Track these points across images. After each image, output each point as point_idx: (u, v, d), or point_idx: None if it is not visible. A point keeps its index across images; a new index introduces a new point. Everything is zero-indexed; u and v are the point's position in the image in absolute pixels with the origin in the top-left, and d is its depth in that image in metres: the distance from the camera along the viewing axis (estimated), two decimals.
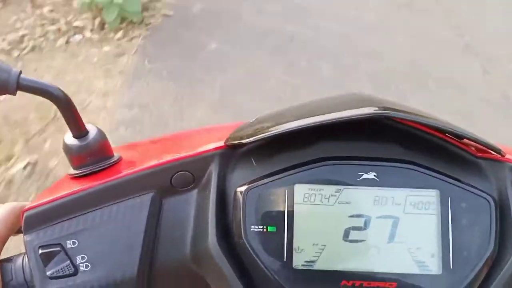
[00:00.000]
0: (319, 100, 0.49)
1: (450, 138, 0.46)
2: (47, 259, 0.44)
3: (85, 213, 0.46)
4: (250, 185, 0.44)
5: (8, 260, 0.48)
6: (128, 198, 0.46)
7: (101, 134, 0.49)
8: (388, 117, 0.41)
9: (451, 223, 0.42)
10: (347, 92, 0.49)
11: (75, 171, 0.49)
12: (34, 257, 0.45)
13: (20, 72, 0.43)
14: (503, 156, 0.44)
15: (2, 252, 0.47)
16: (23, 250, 0.47)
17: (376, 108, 0.41)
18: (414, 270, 0.42)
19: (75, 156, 0.48)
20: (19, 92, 0.43)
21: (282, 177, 0.44)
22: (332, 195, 0.43)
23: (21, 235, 0.49)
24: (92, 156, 0.49)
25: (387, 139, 0.46)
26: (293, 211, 0.43)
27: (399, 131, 0.46)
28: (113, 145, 0.51)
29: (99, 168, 0.48)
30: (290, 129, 0.42)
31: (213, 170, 0.46)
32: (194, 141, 0.49)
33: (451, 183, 0.43)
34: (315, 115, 0.43)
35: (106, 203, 0.46)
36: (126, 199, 0.46)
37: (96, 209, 0.46)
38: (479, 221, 0.42)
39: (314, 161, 0.44)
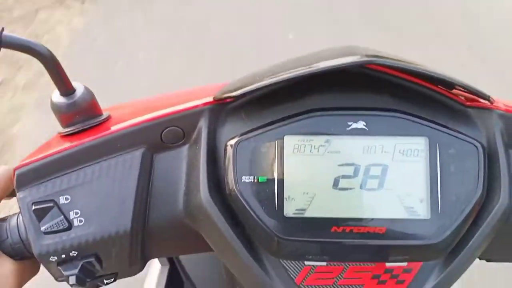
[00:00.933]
0: (309, 54, 0.48)
1: (440, 88, 0.46)
2: (41, 214, 0.45)
3: (77, 170, 0.46)
4: (240, 137, 0.44)
5: (3, 220, 0.48)
6: (119, 154, 0.46)
7: (88, 92, 0.49)
8: (376, 64, 0.40)
9: (440, 169, 0.43)
10: (340, 45, 0.48)
11: (65, 129, 0.49)
12: (28, 213, 0.45)
13: (3, 29, 0.42)
14: (491, 103, 0.45)
15: None
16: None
17: (362, 56, 0.41)
18: (403, 215, 0.42)
19: (64, 114, 0.48)
20: None
21: (272, 129, 0.44)
22: (321, 145, 0.44)
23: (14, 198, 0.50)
24: (80, 114, 0.48)
25: (375, 89, 0.45)
26: (283, 161, 0.43)
27: (387, 80, 0.45)
28: None
29: (88, 126, 0.48)
30: (277, 80, 0.42)
31: (203, 125, 0.46)
32: (184, 98, 0.49)
33: (439, 130, 0.43)
34: (302, 67, 0.43)
35: (97, 159, 0.46)
36: (117, 155, 0.46)
37: (88, 166, 0.46)
38: (467, 166, 0.43)
39: (303, 113, 0.44)
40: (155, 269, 1.03)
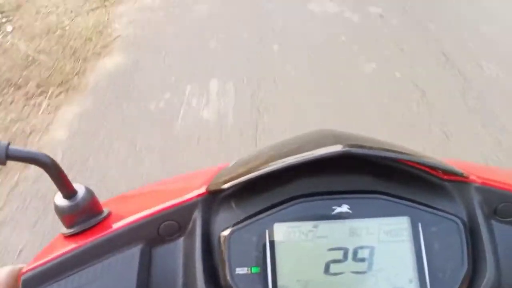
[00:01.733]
0: (290, 140, 0.52)
1: (418, 164, 0.49)
2: None
3: (79, 271, 0.48)
4: (232, 228, 0.46)
5: None
6: (119, 252, 0.49)
7: (89, 192, 0.52)
8: (352, 155, 0.43)
9: (424, 248, 0.44)
10: (315, 130, 0.52)
11: (68, 230, 0.51)
12: None
13: (9, 144, 0.46)
14: (467, 177, 0.47)
15: None
16: None
17: (342, 146, 0.44)
18: None
19: (67, 216, 0.51)
20: None
21: (261, 218, 0.46)
22: (310, 231, 0.46)
23: None
24: (82, 214, 0.51)
25: (356, 171, 0.48)
26: (274, 250, 0.45)
27: (368, 163, 0.48)
28: None
29: (90, 225, 0.51)
30: (260, 174, 0.45)
31: (197, 217, 0.48)
32: (180, 188, 0.52)
33: (420, 209, 0.45)
34: (286, 156, 0.46)
35: (98, 258, 0.48)
36: (117, 253, 0.48)
37: (90, 266, 0.48)
38: (451, 243, 0.44)
39: (289, 200, 0.47)
40: None
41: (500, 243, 0.45)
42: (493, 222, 0.46)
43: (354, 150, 0.43)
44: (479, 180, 0.47)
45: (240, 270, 0.45)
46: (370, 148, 0.44)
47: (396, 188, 0.47)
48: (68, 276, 0.48)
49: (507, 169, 0.60)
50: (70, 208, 0.51)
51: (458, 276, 0.43)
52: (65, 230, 0.52)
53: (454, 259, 0.44)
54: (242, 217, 0.47)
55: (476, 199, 0.46)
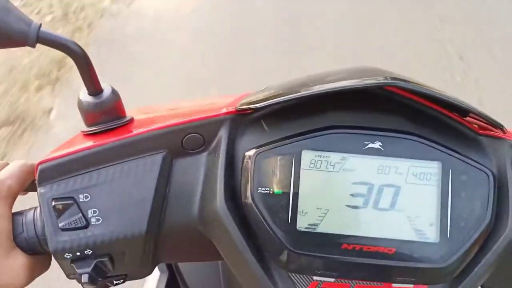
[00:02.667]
0: (331, 71, 0.50)
1: (455, 115, 0.48)
2: (60, 211, 0.46)
3: (98, 169, 0.47)
4: (259, 149, 0.45)
5: (19, 213, 0.49)
6: (140, 156, 0.48)
7: (115, 94, 0.50)
8: (397, 87, 0.42)
9: (451, 195, 0.44)
10: (359, 65, 0.50)
11: (89, 128, 0.50)
12: (47, 209, 0.46)
13: (40, 25, 0.44)
14: (504, 133, 0.46)
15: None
16: None
17: (385, 78, 0.43)
18: (413, 237, 0.43)
19: (90, 113, 0.50)
20: None
21: (290, 143, 0.45)
22: (337, 162, 0.45)
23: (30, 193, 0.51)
24: (105, 114, 0.50)
25: (393, 111, 0.47)
26: (299, 176, 0.44)
27: (405, 104, 0.47)
28: None
29: (112, 127, 0.50)
30: (300, 95, 0.44)
31: (223, 134, 0.47)
32: (206, 105, 0.50)
33: (453, 156, 0.44)
34: (325, 83, 0.45)
35: (118, 160, 0.48)
36: (138, 157, 0.48)
37: (109, 166, 0.47)
38: (477, 194, 0.44)
39: (322, 129, 0.46)
40: (153, 276, 1.03)
41: None
42: None
43: (400, 82, 0.42)
44: None
45: (262, 190, 0.44)
46: (415, 84, 0.43)
47: (432, 133, 0.46)
48: (86, 173, 0.47)
49: None
50: (94, 106, 0.49)
51: (479, 227, 0.43)
52: (86, 129, 0.51)
53: (478, 210, 0.44)
54: (269, 140, 0.46)
55: (509, 155, 0.46)
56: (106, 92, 0.50)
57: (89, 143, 0.48)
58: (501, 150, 0.46)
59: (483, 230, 0.43)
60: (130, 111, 0.54)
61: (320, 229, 0.44)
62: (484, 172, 0.44)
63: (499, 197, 0.45)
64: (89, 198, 0.47)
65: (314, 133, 0.45)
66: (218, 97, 0.55)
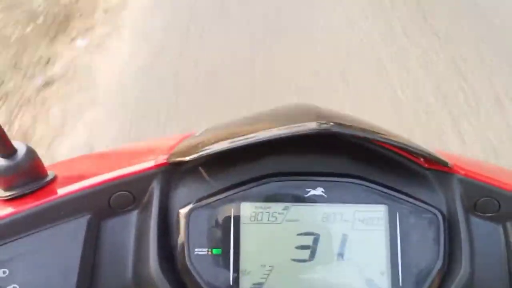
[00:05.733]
0: (268, 112, 0.47)
1: (400, 150, 0.45)
2: None
3: (16, 239, 0.42)
4: (193, 205, 0.42)
5: None
6: (63, 222, 0.43)
7: (31, 152, 0.45)
8: (329, 133, 0.39)
9: (400, 239, 0.41)
10: (292, 103, 0.47)
11: (5, 193, 0.45)
12: None
13: None
14: (450, 168, 0.44)
15: None
16: None
17: (321, 123, 0.39)
18: None
19: (4, 177, 0.44)
20: None
21: (227, 196, 0.42)
22: (279, 213, 0.42)
23: None
24: (23, 176, 0.45)
25: (335, 153, 0.44)
26: (239, 231, 0.41)
27: (348, 144, 0.44)
28: None
29: (31, 190, 0.45)
30: (233, 146, 0.40)
31: (155, 189, 0.43)
32: (135, 155, 0.46)
33: (399, 198, 0.42)
34: (259, 130, 0.41)
35: (38, 228, 0.43)
36: (60, 223, 0.43)
37: (28, 235, 0.42)
38: (427, 236, 0.42)
39: (260, 178, 0.42)
40: None
41: (477, 238, 0.43)
42: (472, 216, 0.44)
43: (332, 128, 0.39)
44: (462, 172, 0.44)
45: (199, 251, 0.41)
46: (350, 127, 0.40)
47: (376, 174, 0.43)
48: (3, 244, 0.42)
49: (495, 165, 0.58)
50: (8, 169, 0.44)
51: (432, 271, 0.41)
52: (2, 193, 0.45)
53: (430, 253, 0.41)
54: (205, 194, 0.42)
55: (457, 191, 0.43)
56: (21, 152, 0.45)
57: (5, 211, 0.43)
58: (449, 185, 0.44)
59: (436, 273, 0.41)
60: (53, 166, 0.49)
61: None
62: (432, 213, 0.42)
63: (451, 236, 0.43)
64: (7, 272, 0.41)
65: (252, 183, 0.42)
66: (154, 140, 0.50)
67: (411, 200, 0.42)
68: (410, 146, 0.42)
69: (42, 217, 0.43)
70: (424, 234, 0.42)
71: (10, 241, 0.42)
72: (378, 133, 0.41)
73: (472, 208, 0.44)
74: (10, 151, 0.44)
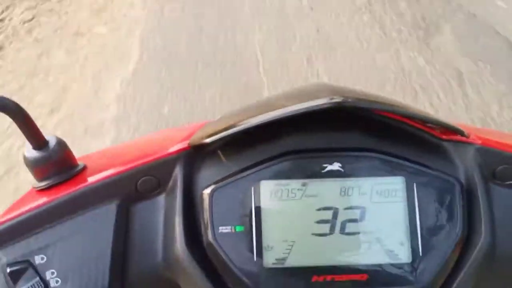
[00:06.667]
0: (282, 94, 0.48)
1: (415, 122, 0.46)
2: (16, 277, 0.44)
3: (52, 227, 0.45)
4: (215, 185, 0.43)
5: None
6: (94, 207, 0.45)
7: (61, 144, 0.48)
8: (343, 108, 0.40)
9: (418, 210, 0.42)
10: (308, 83, 0.48)
11: (40, 184, 0.48)
12: (2, 276, 0.44)
13: None
14: (467, 137, 0.44)
15: None
16: None
17: (335, 98, 0.40)
18: (384, 259, 0.42)
19: (38, 168, 0.47)
20: None
21: (247, 175, 0.43)
22: (298, 189, 0.43)
23: None
24: (54, 167, 0.47)
25: (350, 127, 0.45)
26: (260, 208, 0.42)
27: (362, 119, 0.45)
28: None
29: (64, 179, 0.47)
30: (250, 125, 0.41)
31: (179, 173, 0.45)
32: (159, 143, 0.48)
33: (416, 169, 0.42)
34: (275, 110, 0.42)
35: (71, 214, 0.45)
36: (92, 209, 0.45)
37: (62, 222, 0.45)
38: (446, 205, 0.42)
39: (278, 156, 0.44)
40: None
41: (497, 206, 0.43)
42: (492, 185, 0.44)
43: (345, 102, 0.39)
44: (479, 141, 0.44)
45: (223, 229, 0.42)
46: (364, 100, 0.41)
47: (391, 146, 0.44)
48: (39, 232, 0.45)
49: (509, 132, 0.57)
50: (41, 160, 0.47)
51: (452, 240, 0.41)
52: (36, 184, 0.48)
53: (449, 222, 0.42)
54: (226, 174, 0.44)
55: (475, 160, 0.44)
56: (52, 143, 0.47)
57: (40, 200, 0.46)
58: (466, 155, 0.44)
59: (456, 243, 0.42)
60: (82, 158, 0.52)
61: (288, 263, 0.42)
62: (450, 181, 0.42)
63: (470, 205, 0.43)
64: (45, 259, 0.44)
65: (271, 161, 0.43)
66: (172, 130, 0.52)
67: (428, 171, 0.42)
68: (426, 118, 0.42)
69: (75, 205, 0.45)
70: (442, 204, 0.42)
71: (46, 229, 0.45)
72: (395, 106, 0.42)
73: (491, 176, 0.44)
74: (42, 143, 0.47)
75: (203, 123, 0.51)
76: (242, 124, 0.42)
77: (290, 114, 0.40)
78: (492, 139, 0.45)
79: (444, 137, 0.45)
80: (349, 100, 0.39)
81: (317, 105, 0.39)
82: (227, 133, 0.43)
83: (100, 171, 0.47)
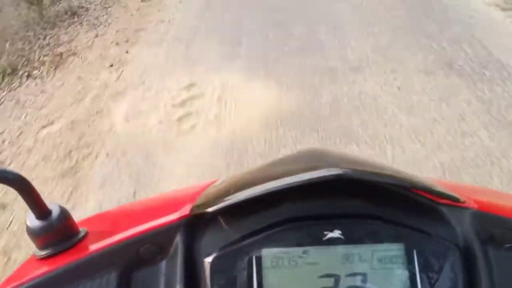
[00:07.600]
0: (280, 160, 0.49)
1: (410, 188, 0.47)
2: None
3: None
4: (217, 254, 0.43)
5: None
6: (96, 277, 0.45)
7: (64, 212, 0.48)
8: (344, 179, 0.41)
9: (419, 276, 0.42)
10: (306, 149, 0.49)
11: (41, 252, 0.48)
12: None
13: None
14: (462, 202, 0.45)
15: None
16: None
17: (334, 170, 0.41)
18: None
19: (40, 237, 0.47)
20: None
21: (248, 243, 0.44)
22: (300, 257, 0.43)
23: None
24: (56, 235, 0.48)
25: (349, 195, 0.46)
26: (261, 277, 0.43)
27: (360, 186, 0.46)
28: None
29: (64, 247, 0.48)
30: (248, 197, 0.42)
31: (179, 241, 0.45)
32: (161, 207, 0.49)
33: (415, 235, 0.43)
34: (275, 179, 0.43)
35: (74, 284, 0.45)
36: (93, 278, 0.45)
37: None
38: (446, 271, 0.42)
39: (279, 224, 0.44)
40: None
41: (496, 270, 0.43)
42: (490, 248, 0.44)
43: (346, 174, 0.41)
44: (475, 205, 0.45)
45: None
46: (364, 172, 0.42)
47: (390, 212, 0.45)
48: None
49: (507, 193, 0.59)
50: (43, 229, 0.47)
51: None
52: (37, 252, 0.48)
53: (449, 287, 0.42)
54: (227, 242, 0.44)
55: (471, 224, 0.44)
56: (55, 212, 0.48)
57: (41, 269, 0.46)
58: (463, 219, 0.45)
59: None
60: (84, 222, 0.52)
61: None
62: (449, 247, 0.43)
63: (469, 270, 0.43)
64: None
65: (271, 229, 0.44)
66: (177, 191, 0.53)
67: (426, 236, 0.43)
68: (422, 185, 0.43)
69: (76, 274, 0.45)
70: (442, 269, 0.42)
71: None
72: (391, 176, 0.43)
73: (488, 240, 0.45)
74: (45, 213, 0.47)
75: (205, 185, 0.52)
76: (241, 195, 0.43)
77: (289, 186, 0.41)
78: (488, 202, 0.46)
79: (441, 201, 0.46)
80: (350, 172, 0.41)
81: (318, 177, 0.41)
82: (227, 204, 0.44)
83: (102, 237, 0.48)
